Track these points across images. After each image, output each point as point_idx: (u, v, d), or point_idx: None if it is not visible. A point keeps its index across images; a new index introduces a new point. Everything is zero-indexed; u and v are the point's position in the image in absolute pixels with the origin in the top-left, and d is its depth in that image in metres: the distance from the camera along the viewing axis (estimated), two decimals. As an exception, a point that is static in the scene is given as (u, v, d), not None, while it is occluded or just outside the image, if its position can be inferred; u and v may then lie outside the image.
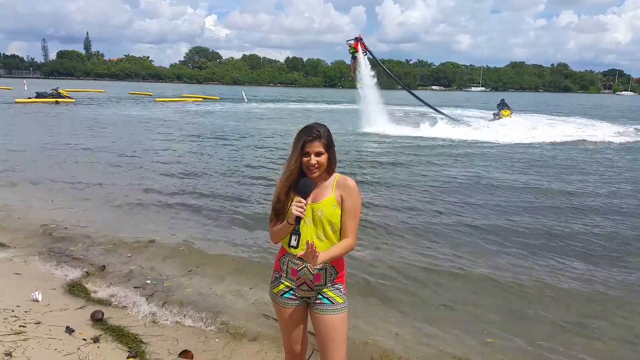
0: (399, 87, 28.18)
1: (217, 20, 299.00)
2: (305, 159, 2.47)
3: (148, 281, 5.11)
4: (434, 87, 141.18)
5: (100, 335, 3.85)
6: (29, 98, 35.76)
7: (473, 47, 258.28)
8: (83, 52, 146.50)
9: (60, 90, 38.04)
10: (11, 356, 3.36)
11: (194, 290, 4.97)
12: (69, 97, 37.97)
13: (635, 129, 25.95)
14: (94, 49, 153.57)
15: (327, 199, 2.50)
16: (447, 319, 4.55)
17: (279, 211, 2.52)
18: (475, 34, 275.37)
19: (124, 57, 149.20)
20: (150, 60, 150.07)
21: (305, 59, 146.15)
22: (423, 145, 17.59)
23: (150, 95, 54.06)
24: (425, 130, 21.69)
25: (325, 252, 2.43)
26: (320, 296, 2.57)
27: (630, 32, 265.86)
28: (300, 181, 2.47)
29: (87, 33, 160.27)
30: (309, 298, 2.60)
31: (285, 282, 2.60)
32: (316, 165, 2.46)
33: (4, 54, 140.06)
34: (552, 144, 18.92)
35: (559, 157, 15.38)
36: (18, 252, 5.80)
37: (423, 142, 18.62)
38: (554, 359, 3.91)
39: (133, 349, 3.69)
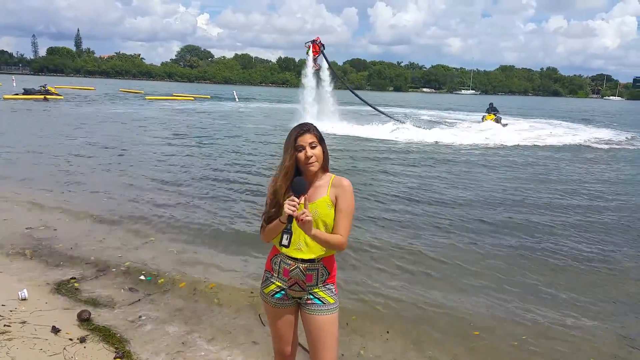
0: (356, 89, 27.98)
1: (209, 19, 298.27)
2: (300, 153, 2.44)
3: (138, 282, 5.06)
4: (424, 90, 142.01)
5: (87, 335, 3.81)
6: (16, 95, 35.29)
7: (463, 50, 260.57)
8: (73, 49, 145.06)
9: (49, 87, 37.59)
10: (-5, 356, 3.32)
11: (185, 288, 4.93)
12: (57, 94, 37.55)
13: (614, 135, 25.77)
14: (84, 46, 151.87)
15: (322, 199, 2.48)
16: (434, 321, 4.56)
17: (273, 214, 2.48)
18: (465, 37, 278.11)
19: (115, 54, 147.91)
20: (142, 58, 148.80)
21: (297, 59, 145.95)
22: (360, 144, 17.74)
23: (140, 93, 53.62)
24: (370, 131, 21.31)
25: (323, 233, 2.43)
26: (311, 296, 2.56)
27: (618, 38, 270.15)
28: (294, 179, 2.44)
29: (78, 30, 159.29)
30: (300, 298, 2.59)
31: (277, 282, 2.58)
32: (314, 158, 2.44)
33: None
34: (516, 147, 18.97)
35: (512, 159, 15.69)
36: (2, 251, 5.72)
37: (362, 141, 18.67)
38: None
39: (120, 349, 3.65)
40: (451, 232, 7.26)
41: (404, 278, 5.50)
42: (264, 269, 2.66)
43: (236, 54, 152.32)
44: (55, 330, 3.81)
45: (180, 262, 5.65)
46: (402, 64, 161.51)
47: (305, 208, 2.32)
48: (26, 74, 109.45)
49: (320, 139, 2.50)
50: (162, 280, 5.10)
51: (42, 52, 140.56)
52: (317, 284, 2.55)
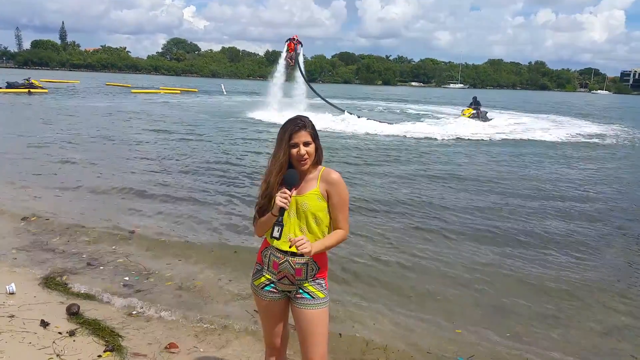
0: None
1: (195, 12, 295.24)
2: (293, 150, 2.43)
3: (127, 276, 5.04)
4: (413, 84, 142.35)
5: (77, 328, 3.79)
6: (0, 88, 34.74)
7: (452, 44, 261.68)
8: (58, 42, 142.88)
9: (33, 81, 37.02)
10: (-16, 350, 3.30)
11: (175, 282, 4.93)
12: (41, 88, 36.98)
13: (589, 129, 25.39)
14: (69, 39, 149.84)
15: (311, 192, 2.47)
16: (423, 310, 4.62)
17: (265, 207, 2.49)
18: (454, 31, 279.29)
19: (101, 47, 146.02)
20: (127, 51, 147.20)
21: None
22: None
23: (127, 86, 53.10)
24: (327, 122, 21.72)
25: (318, 242, 2.44)
26: (301, 291, 2.55)
27: (606, 32, 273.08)
28: (286, 172, 2.44)
29: (63, 23, 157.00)
30: (289, 292, 2.59)
31: (267, 275, 2.58)
32: (306, 156, 2.44)
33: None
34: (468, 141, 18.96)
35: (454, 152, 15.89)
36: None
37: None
38: (527, 349, 4.01)
39: (110, 342, 3.64)
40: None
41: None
42: (254, 261, 2.67)
43: (223, 47, 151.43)
44: (44, 324, 3.80)
45: (168, 256, 5.63)
46: (391, 58, 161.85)
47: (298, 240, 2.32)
48: (10, 67, 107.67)
49: (314, 135, 2.49)
50: (152, 276, 5.08)
51: (27, 45, 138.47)
52: (306, 279, 2.54)
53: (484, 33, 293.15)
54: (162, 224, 6.83)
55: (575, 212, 8.42)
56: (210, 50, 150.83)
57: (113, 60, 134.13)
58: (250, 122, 22.49)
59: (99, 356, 3.46)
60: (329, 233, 2.54)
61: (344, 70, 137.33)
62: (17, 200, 7.65)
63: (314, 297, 2.55)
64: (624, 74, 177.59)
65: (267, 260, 2.57)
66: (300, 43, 26.68)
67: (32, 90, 34.64)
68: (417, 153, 15.00)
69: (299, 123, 2.47)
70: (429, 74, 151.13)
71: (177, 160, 11.93)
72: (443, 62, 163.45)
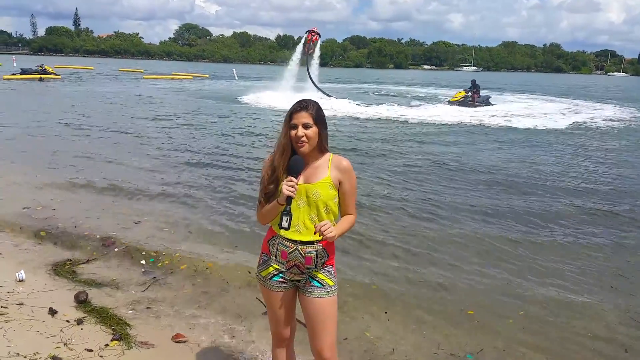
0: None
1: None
2: (292, 131, 2.38)
3: (136, 264, 5.04)
4: (425, 67, 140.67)
5: (85, 317, 3.79)
6: (14, 74, 35.06)
7: (465, 27, 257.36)
8: (72, 28, 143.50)
9: (46, 67, 37.25)
10: (-8, 338, 3.31)
11: (185, 269, 4.91)
12: (54, 74, 37.22)
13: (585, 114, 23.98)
14: (83, 25, 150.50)
15: (322, 181, 2.41)
16: (431, 302, 4.56)
17: (271, 193, 2.42)
18: (467, 13, 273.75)
19: (113, 33, 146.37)
20: (140, 37, 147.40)
21: (296, 37, 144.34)
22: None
23: (140, 72, 53.27)
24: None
25: (337, 227, 2.43)
26: (310, 279, 2.51)
27: (623, 12, 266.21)
28: (290, 159, 2.38)
29: (76, 9, 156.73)
30: (298, 281, 2.54)
31: (275, 265, 2.52)
32: (304, 138, 2.36)
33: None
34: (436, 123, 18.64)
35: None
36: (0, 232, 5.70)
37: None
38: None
39: (117, 331, 3.64)
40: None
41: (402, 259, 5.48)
42: (260, 250, 2.61)
43: (234, 32, 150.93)
44: (53, 312, 3.80)
45: (177, 241, 5.64)
46: (403, 41, 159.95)
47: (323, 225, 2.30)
48: (25, 54, 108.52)
49: (317, 118, 2.40)
50: (162, 261, 5.09)
51: (41, 32, 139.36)
52: (316, 267, 2.49)
53: (498, 15, 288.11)
54: (166, 211, 6.82)
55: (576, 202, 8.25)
56: (222, 35, 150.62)
57: (126, 46, 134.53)
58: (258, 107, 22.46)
59: (107, 345, 3.45)
60: (336, 221, 2.50)
61: (355, 54, 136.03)
62: (21, 187, 7.66)
63: (324, 285, 2.51)
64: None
65: (275, 250, 2.51)
66: (319, 35, 28.61)
67: (43, 76, 34.75)
68: (356, 133, 15.19)
69: (301, 104, 2.42)
70: (441, 57, 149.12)
71: (186, 146, 11.92)
72: (456, 44, 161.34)
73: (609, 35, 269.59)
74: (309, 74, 28.26)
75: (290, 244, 2.44)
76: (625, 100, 34.62)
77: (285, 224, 2.28)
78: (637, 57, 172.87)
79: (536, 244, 6.03)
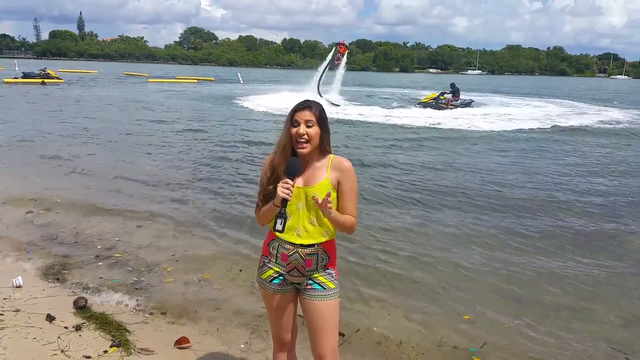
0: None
1: (212, 0, 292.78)
2: (294, 129, 2.32)
3: (136, 270, 4.94)
4: (430, 70, 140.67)
5: (83, 323, 3.70)
6: (16, 78, 35.10)
7: (469, 30, 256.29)
8: (76, 32, 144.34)
9: (49, 71, 37.29)
10: (-13, 346, 3.22)
11: (181, 276, 4.82)
12: (57, 78, 37.23)
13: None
14: (87, 29, 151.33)
15: (321, 183, 2.35)
16: (434, 301, 4.45)
17: (270, 193, 2.35)
18: (471, 17, 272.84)
19: (118, 37, 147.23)
20: (145, 41, 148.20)
21: (302, 41, 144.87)
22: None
23: (145, 76, 53.40)
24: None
25: (338, 214, 2.33)
26: (311, 282, 2.44)
27: (625, 16, 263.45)
28: (288, 160, 2.32)
29: (80, 13, 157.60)
30: (298, 284, 2.47)
31: (275, 268, 2.46)
32: (305, 137, 2.31)
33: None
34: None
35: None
36: None
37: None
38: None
39: (117, 337, 3.54)
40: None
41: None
42: (260, 253, 2.55)
43: (240, 36, 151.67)
44: (50, 318, 3.71)
45: (175, 250, 5.51)
46: (408, 45, 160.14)
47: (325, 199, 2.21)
48: (29, 58, 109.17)
49: (320, 119, 2.36)
50: (160, 269, 4.98)
51: (45, 35, 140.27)
52: (317, 269, 2.43)
53: (502, 19, 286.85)
54: (165, 217, 6.67)
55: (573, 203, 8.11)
56: (228, 39, 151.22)
57: (131, 50, 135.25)
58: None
59: (105, 351, 3.36)
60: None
61: (361, 57, 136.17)
62: (21, 192, 7.55)
63: (324, 288, 2.44)
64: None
65: (275, 252, 2.45)
66: (347, 48, 30.82)
67: (45, 80, 34.66)
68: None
69: (304, 103, 2.38)
70: (446, 60, 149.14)
71: (187, 151, 11.86)
72: (461, 48, 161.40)
73: (611, 39, 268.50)
74: (319, 82, 28.84)
75: (291, 246, 2.39)
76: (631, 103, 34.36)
77: (279, 226, 2.24)
78: (638, 60, 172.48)
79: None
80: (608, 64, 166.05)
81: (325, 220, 2.36)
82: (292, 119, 2.35)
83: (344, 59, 29.95)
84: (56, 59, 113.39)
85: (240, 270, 4.95)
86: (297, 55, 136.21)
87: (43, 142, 12.18)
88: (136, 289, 4.48)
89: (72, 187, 8.00)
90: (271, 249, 2.47)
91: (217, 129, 15.88)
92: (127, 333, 3.65)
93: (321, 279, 2.44)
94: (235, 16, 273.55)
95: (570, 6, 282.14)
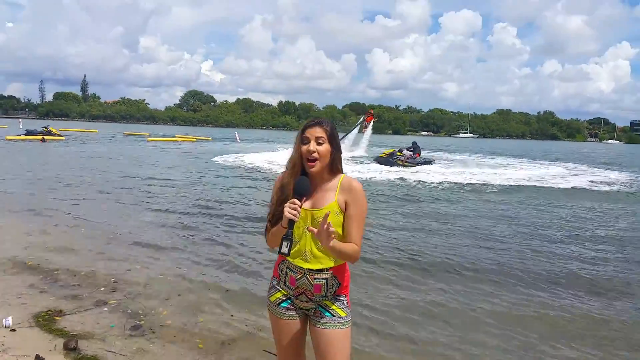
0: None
1: (212, 66, 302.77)
2: (304, 146, 2.26)
3: (128, 314, 4.84)
4: (422, 133, 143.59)
5: (73, 365, 3.60)
6: (19, 135, 35.77)
7: (460, 95, 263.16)
8: (79, 94, 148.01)
9: (51, 129, 38.17)
10: (-28, 385, 3.11)
11: (177, 317, 4.72)
12: (59, 135, 38.00)
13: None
14: (90, 91, 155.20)
15: (329, 206, 2.25)
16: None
17: (279, 214, 2.25)
18: (461, 82, 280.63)
19: (120, 99, 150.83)
20: (146, 103, 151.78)
21: (297, 103, 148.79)
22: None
23: (145, 135, 54.42)
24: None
25: (339, 243, 2.18)
26: (321, 308, 2.33)
27: (612, 82, 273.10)
28: (296, 180, 2.25)
29: (85, 76, 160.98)
30: (308, 310, 2.37)
31: (282, 291, 2.38)
32: (315, 154, 2.23)
33: (1, 94, 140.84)
34: None
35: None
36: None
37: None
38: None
39: (106, 379, 3.44)
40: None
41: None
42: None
43: (238, 99, 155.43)
44: (39, 359, 3.61)
45: (170, 292, 5.45)
46: (400, 108, 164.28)
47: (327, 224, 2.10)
48: (32, 118, 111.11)
49: (331, 136, 2.28)
50: (154, 313, 4.89)
51: (49, 97, 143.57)
52: (326, 295, 2.32)
53: (491, 84, 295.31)
54: (162, 263, 6.66)
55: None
56: (226, 101, 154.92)
57: (132, 112, 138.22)
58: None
59: (94, 394, 3.25)
60: None
61: (354, 120, 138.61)
62: (11, 237, 7.51)
63: (334, 316, 2.33)
64: (634, 123, 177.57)
65: (284, 275, 2.37)
66: (374, 116, 36.01)
67: (46, 137, 35.09)
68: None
69: (316, 119, 2.33)
70: (438, 123, 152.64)
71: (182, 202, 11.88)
72: (452, 112, 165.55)
73: (600, 104, 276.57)
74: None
75: (299, 270, 2.30)
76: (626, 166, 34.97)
77: (284, 249, 2.14)
78: (628, 125, 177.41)
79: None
80: (599, 128, 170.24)
81: None
82: (302, 136, 2.28)
83: (370, 125, 34.05)
84: (59, 119, 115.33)
85: (232, 316, 4.86)
86: (293, 117, 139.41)
87: (29, 193, 12.16)
88: (130, 330, 4.37)
89: (65, 233, 7.98)
90: (280, 271, 2.39)
91: (210, 181, 15.96)
92: (118, 375, 3.53)
93: (331, 306, 2.33)
94: (233, 80, 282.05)
95: (558, 72, 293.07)
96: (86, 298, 5.16)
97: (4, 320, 4.16)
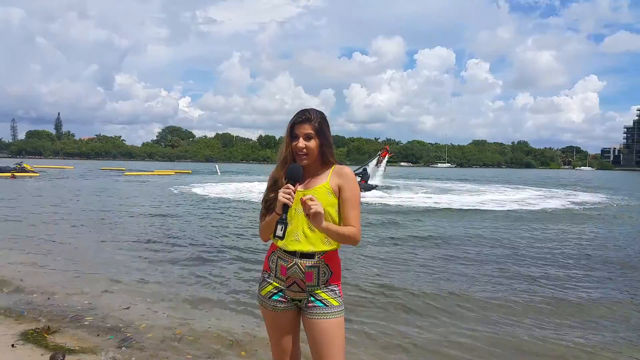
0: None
1: (190, 102, 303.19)
2: (294, 142, 2.29)
3: (110, 329, 4.64)
4: (402, 164, 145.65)
5: (59, 378, 3.40)
6: None
7: (437, 127, 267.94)
8: (53, 132, 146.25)
9: (25, 165, 37.31)
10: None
11: (158, 332, 4.55)
12: (33, 172, 37.09)
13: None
14: (65, 129, 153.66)
15: (320, 186, 2.29)
16: None
17: (271, 201, 2.28)
18: (438, 115, 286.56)
19: (96, 136, 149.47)
20: (122, 140, 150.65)
21: (277, 137, 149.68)
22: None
23: (122, 170, 53.72)
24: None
25: (334, 225, 2.21)
26: (312, 299, 2.29)
27: (583, 113, 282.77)
28: (289, 166, 2.27)
29: (59, 114, 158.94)
30: (300, 301, 2.32)
31: (274, 283, 2.33)
32: (304, 150, 2.27)
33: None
34: None
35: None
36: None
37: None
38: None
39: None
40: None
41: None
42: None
43: (217, 134, 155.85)
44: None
45: (148, 313, 5.26)
46: (379, 140, 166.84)
47: (307, 197, 2.13)
48: (3, 157, 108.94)
49: (319, 131, 2.30)
50: (134, 327, 4.70)
51: (22, 135, 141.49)
52: (318, 284, 2.29)
53: (467, 116, 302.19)
54: (145, 284, 6.47)
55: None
56: (205, 136, 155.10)
57: (107, 149, 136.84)
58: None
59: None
60: None
61: (335, 152, 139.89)
62: None
63: (327, 306, 2.28)
64: (605, 151, 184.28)
65: (275, 266, 2.33)
66: (389, 152, 37.45)
67: (16, 174, 34.21)
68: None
69: (302, 115, 2.32)
70: (417, 154, 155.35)
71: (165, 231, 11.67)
72: (430, 143, 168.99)
73: (572, 133, 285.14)
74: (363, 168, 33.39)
75: (289, 258, 2.28)
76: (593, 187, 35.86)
77: (279, 232, 2.13)
78: (599, 152, 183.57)
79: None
80: (572, 156, 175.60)
81: None
82: (291, 132, 2.31)
83: (385, 160, 36.13)
84: (32, 157, 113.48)
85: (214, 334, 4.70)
86: (273, 151, 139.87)
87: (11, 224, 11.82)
88: (115, 346, 4.18)
89: (46, 257, 7.73)
90: (270, 263, 2.36)
91: (187, 212, 15.77)
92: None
93: (323, 295, 2.29)
94: (212, 116, 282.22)
95: (530, 104, 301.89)
96: (68, 316, 4.94)
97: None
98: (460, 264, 8.04)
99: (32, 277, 6.50)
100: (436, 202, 21.16)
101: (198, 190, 26.32)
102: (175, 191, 25.08)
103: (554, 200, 23.73)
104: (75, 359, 3.86)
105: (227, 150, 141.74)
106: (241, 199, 21.44)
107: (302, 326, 2.39)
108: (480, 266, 7.87)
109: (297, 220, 2.27)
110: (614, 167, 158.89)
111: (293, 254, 2.28)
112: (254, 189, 27.21)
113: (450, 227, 13.10)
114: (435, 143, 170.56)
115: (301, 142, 2.27)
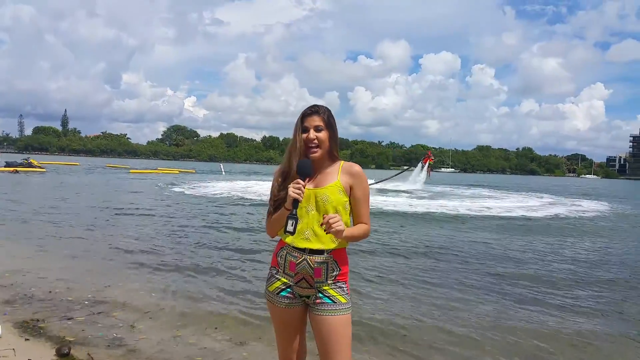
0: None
1: (196, 102, 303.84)
2: (304, 134, 2.32)
3: (116, 324, 4.69)
4: (405, 168, 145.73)
5: (66, 369, 3.45)
6: None
7: (441, 132, 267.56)
8: (60, 128, 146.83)
9: (32, 160, 37.60)
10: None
11: (153, 336, 4.58)
12: (40, 167, 37.38)
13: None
14: (71, 126, 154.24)
15: (332, 185, 2.31)
16: None
17: (280, 200, 2.30)
18: (442, 120, 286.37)
19: (101, 134, 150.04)
20: (127, 138, 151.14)
21: (281, 138, 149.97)
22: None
23: (127, 167, 54.01)
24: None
25: (348, 229, 2.27)
26: (320, 295, 2.31)
27: (588, 121, 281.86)
28: (299, 161, 2.29)
29: (65, 110, 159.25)
30: (307, 297, 2.34)
31: (282, 279, 2.35)
32: (316, 142, 2.30)
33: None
34: None
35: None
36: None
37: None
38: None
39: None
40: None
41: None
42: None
43: (222, 133, 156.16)
44: (31, 364, 3.46)
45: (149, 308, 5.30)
46: (383, 143, 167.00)
47: (330, 217, 2.17)
48: (10, 152, 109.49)
49: (328, 123, 2.35)
50: (135, 328, 4.74)
51: (28, 131, 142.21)
52: (326, 280, 2.31)
53: (471, 122, 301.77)
54: (148, 285, 6.52)
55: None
56: (209, 136, 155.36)
57: (113, 146, 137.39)
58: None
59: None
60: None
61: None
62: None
63: (335, 302, 2.30)
64: (610, 159, 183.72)
65: (283, 262, 2.35)
66: (432, 157, 39.76)
67: (19, 169, 34.25)
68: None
69: (313, 108, 2.37)
70: (420, 158, 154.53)
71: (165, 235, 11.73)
72: (434, 147, 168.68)
73: (577, 141, 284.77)
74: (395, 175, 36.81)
75: (299, 254, 2.30)
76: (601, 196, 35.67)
77: (290, 227, 2.15)
78: (604, 160, 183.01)
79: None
80: (577, 164, 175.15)
81: None
82: (302, 125, 2.34)
83: (426, 166, 38.39)
84: (38, 153, 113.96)
85: (216, 328, 4.73)
86: (276, 152, 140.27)
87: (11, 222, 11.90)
88: (117, 344, 4.21)
89: (47, 255, 7.76)
90: (279, 259, 2.37)
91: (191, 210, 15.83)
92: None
93: (331, 292, 2.31)
94: (217, 116, 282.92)
95: (535, 111, 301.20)
96: (69, 311, 4.99)
97: (-7, 328, 4.00)
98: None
99: (28, 274, 6.46)
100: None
101: (205, 189, 26.27)
102: (178, 190, 25.09)
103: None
104: (83, 349, 3.91)
105: (231, 151, 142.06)
106: (245, 197, 21.53)
107: (308, 322, 2.42)
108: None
109: (308, 219, 2.30)
110: (620, 176, 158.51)
111: (302, 250, 2.31)
112: (259, 188, 27.50)
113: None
114: (440, 147, 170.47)
115: (312, 134, 2.31)
